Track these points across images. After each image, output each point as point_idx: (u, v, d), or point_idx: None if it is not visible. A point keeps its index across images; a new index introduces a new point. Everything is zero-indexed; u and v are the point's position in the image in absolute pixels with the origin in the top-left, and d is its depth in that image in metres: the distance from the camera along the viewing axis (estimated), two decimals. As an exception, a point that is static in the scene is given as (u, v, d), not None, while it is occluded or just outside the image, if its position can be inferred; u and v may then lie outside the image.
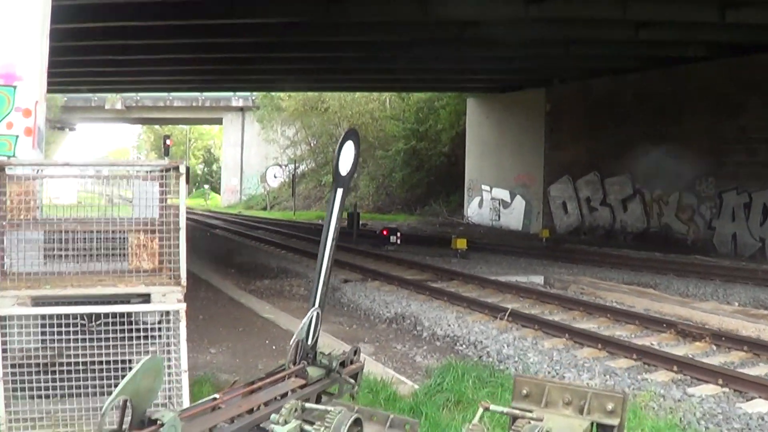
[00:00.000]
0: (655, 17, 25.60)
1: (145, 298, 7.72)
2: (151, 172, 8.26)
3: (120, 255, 8.15)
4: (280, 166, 74.01)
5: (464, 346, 13.89)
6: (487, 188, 46.97)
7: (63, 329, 7.36)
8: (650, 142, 33.90)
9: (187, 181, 27.83)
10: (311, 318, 7.95)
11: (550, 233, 37.12)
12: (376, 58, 33.63)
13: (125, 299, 7.70)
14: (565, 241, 35.83)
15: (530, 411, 4.15)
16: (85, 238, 7.88)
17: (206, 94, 76.32)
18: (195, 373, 10.51)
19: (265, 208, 70.51)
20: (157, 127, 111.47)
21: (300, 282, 22.10)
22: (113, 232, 8.04)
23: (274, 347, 12.77)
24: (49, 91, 35.72)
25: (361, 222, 42.63)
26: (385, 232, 32.05)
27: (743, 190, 30.36)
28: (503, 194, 45.48)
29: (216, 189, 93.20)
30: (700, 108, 32.00)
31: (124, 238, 8.13)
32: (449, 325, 15.27)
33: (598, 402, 4.16)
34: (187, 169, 28.30)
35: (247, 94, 75.46)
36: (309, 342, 8.12)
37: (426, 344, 14.36)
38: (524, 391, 4.37)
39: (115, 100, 78.23)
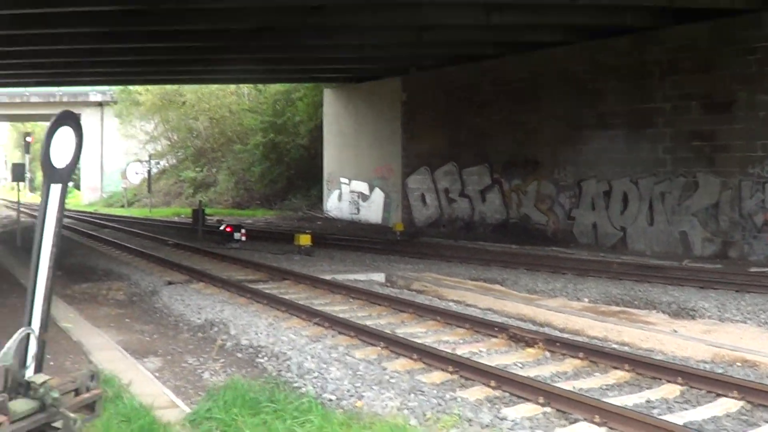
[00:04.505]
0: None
1: None
2: None
3: None
4: (141, 162, 71.89)
5: (266, 358, 12.16)
6: (346, 181, 45.65)
7: None
8: (508, 130, 32.83)
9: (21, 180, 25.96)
10: (19, 341, 6.25)
11: (409, 226, 36.12)
12: (223, 48, 31.93)
13: None
14: (422, 234, 34.65)
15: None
16: None
17: (64, 90, 73.43)
18: None
19: (123, 206, 68.39)
20: (20, 124, 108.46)
21: (120, 285, 20.33)
22: None
23: (52, 363, 10.89)
24: None
25: (216, 219, 41.25)
26: (228, 229, 30.33)
27: (602, 178, 29.29)
28: (362, 187, 44.19)
29: (79, 187, 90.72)
30: (557, 94, 30.95)
31: None
32: (257, 333, 13.52)
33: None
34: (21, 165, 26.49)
35: (106, 88, 73.11)
36: (23, 369, 6.43)
37: (225, 357, 12.60)
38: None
39: (-31, 96, 75.45)
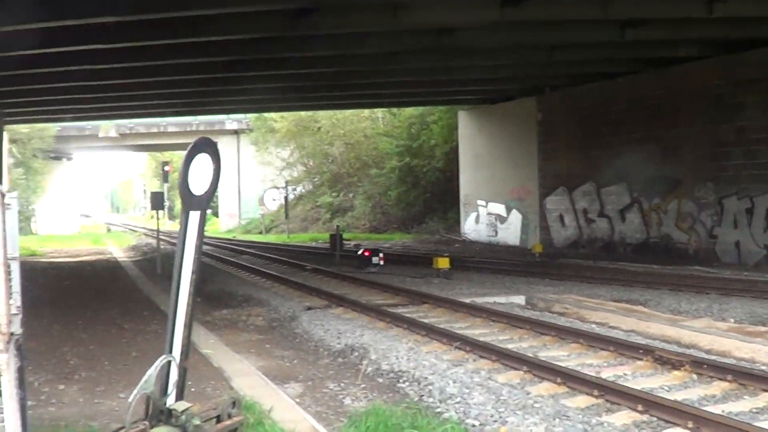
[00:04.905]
0: (639, 15, 24.15)
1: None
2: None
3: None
4: (277, 188, 72.78)
5: (407, 382, 12.14)
6: (483, 203, 45.50)
7: None
8: (646, 148, 32.36)
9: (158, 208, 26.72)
10: (160, 368, 6.34)
11: (548, 247, 35.77)
12: (356, 73, 32.23)
13: None
14: (561, 256, 34.24)
15: None
16: None
17: (200, 119, 74.91)
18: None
19: (261, 232, 69.18)
20: (158, 153, 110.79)
21: (260, 311, 20.58)
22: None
23: (193, 389, 11.04)
24: (37, 120, 35.08)
25: (354, 243, 41.40)
26: (366, 253, 30.46)
27: (744, 195, 28.61)
28: (499, 209, 43.99)
29: (217, 214, 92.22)
30: (695, 110, 30.36)
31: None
32: (398, 358, 13.51)
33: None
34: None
35: (241, 116, 74.39)
36: (164, 396, 6.52)
37: (366, 382, 12.60)
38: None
39: (108, 128, 77.32)
